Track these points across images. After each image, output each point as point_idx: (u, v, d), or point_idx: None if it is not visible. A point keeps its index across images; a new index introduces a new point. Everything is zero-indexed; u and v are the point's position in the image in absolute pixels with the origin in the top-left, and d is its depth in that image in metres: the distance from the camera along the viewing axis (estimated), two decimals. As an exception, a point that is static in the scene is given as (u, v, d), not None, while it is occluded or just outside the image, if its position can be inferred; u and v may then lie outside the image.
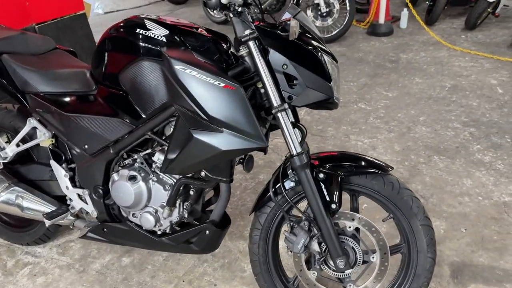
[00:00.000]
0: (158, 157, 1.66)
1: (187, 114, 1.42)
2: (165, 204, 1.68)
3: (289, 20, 1.35)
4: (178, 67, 1.37)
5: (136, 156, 1.68)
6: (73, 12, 3.37)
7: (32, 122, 1.79)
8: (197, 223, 1.73)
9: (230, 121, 1.37)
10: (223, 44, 1.54)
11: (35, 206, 1.86)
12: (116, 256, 2.14)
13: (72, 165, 1.82)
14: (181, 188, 1.62)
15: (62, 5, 3.28)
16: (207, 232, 1.69)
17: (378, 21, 5.28)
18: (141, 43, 1.49)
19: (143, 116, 1.57)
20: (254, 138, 1.38)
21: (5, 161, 1.86)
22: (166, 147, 1.58)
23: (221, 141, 1.40)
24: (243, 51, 1.45)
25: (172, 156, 1.54)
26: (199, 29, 1.53)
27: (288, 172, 1.52)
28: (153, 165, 1.68)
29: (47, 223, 1.78)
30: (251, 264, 1.69)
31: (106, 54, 1.60)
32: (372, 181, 1.47)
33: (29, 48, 1.86)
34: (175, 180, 1.66)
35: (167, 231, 1.74)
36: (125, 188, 1.66)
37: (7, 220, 2.20)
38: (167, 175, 1.66)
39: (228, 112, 1.37)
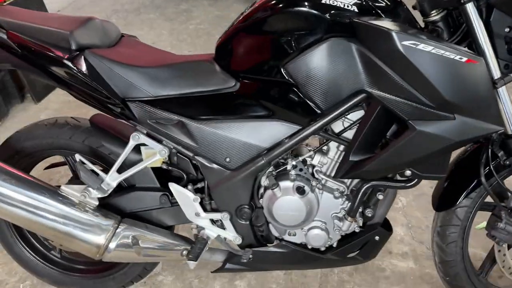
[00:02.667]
0: (319, 160, 1.35)
1: (401, 102, 1.13)
2: (338, 215, 1.38)
3: None
4: (408, 42, 1.06)
5: (294, 163, 1.35)
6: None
7: (138, 138, 1.35)
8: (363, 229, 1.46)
9: (467, 104, 1.11)
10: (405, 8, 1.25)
11: (154, 245, 1.43)
12: (225, 281, 1.79)
13: (198, 186, 1.42)
14: (366, 193, 1.33)
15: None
16: (377, 238, 1.44)
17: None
18: (328, 18, 1.15)
19: (318, 111, 1.23)
20: (491, 121, 1.14)
21: (106, 194, 1.39)
22: (343, 147, 1.30)
23: (453, 130, 1.13)
24: (435, 15, 1.18)
25: (358, 157, 1.25)
26: None
27: (500, 155, 1.30)
28: (312, 170, 1.37)
29: (193, 265, 1.38)
30: (441, 266, 1.47)
31: (260, 39, 1.23)
32: None
33: (105, 38, 1.39)
34: (346, 186, 1.36)
35: (334, 245, 1.45)
36: (294, 204, 1.33)
37: (77, 267, 1.71)
38: (334, 180, 1.36)
39: (467, 93, 1.10)
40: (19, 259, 1.68)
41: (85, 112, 2.99)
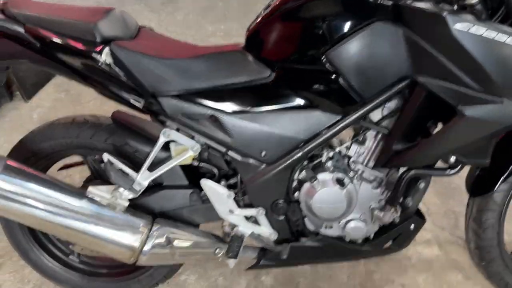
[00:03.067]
0: (355, 150, 1.32)
1: (449, 88, 1.10)
2: (377, 206, 1.35)
3: None
4: (460, 26, 1.03)
5: (330, 154, 1.31)
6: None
7: (169, 135, 1.28)
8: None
9: None
10: None
11: (188, 244, 1.37)
12: (251, 278, 1.74)
13: (231, 182, 1.37)
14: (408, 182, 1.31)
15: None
16: (412, 226, 1.42)
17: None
18: (372, 1, 1.10)
19: (359, 99, 1.19)
20: None
21: (138, 194, 1.32)
22: (381, 136, 1.27)
23: (502, 114, 1.11)
24: None
25: (401, 145, 1.22)
26: None
27: None
28: (348, 161, 1.33)
29: (233, 263, 1.33)
30: (477, 252, 1.47)
31: (298, 26, 1.18)
32: None
33: (127, 30, 1.32)
34: (383, 175, 1.33)
35: (371, 236, 1.42)
36: (335, 196, 1.29)
37: (99, 271, 1.63)
38: (371, 170, 1.32)
39: None
40: (36, 266, 1.59)
41: (80, 109, 2.90)
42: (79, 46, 1.20)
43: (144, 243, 1.29)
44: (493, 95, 1.08)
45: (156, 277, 1.59)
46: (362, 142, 1.32)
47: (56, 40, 1.20)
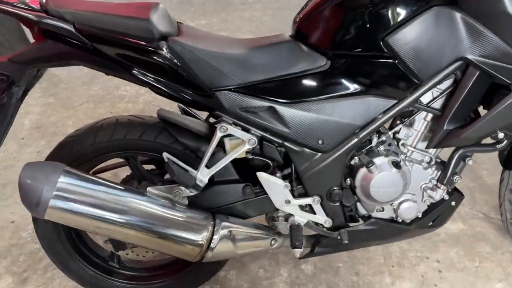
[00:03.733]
0: (405, 133, 1.36)
1: (503, 67, 1.16)
2: (428, 185, 1.40)
3: None
4: (516, 5, 1.08)
5: (383, 138, 1.34)
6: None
7: (226, 129, 1.26)
8: None
9: None
10: None
11: (249, 237, 1.36)
12: (290, 267, 1.76)
13: (285, 172, 1.37)
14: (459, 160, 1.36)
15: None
16: (453, 203, 1.48)
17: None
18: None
19: (415, 83, 1.23)
20: None
21: (199, 191, 1.29)
22: (430, 118, 1.31)
23: (553, 89, 1.18)
24: None
25: (453, 125, 1.27)
26: None
27: None
28: (398, 144, 1.37)
29: (299, 252, 1.33)
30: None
31: (355, 13, 1.20)
32: None
33: (173, 25, 1.28)
34: (432, 154, 1.38)
35: (419, 215, 1.47)
36: (393, 179, 1.32)
37: (142, 275, 1.59)
38: (420, 151, 1.37)
39: None
40: (76, 276, 1.53)
41: (73, 113, 2.79)
42: (137, 43, 1.16)
43: (210, 239, 1.28)
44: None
45: (203, 275, 1.58)
46: (411, 125, 1.35)
47: (111, 38, 1.15)
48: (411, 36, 1.17)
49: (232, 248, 1.32)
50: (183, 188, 1.27)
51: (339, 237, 1.39)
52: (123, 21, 1.16)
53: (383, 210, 1.44)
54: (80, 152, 1.35)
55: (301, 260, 1.77)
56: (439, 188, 1.37)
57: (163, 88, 1.22)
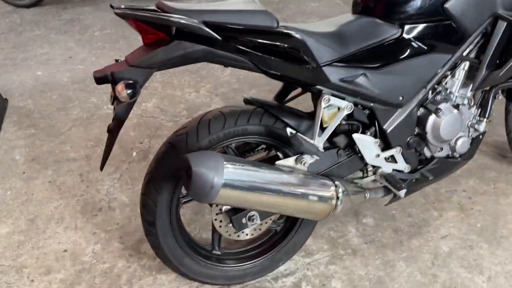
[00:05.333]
0: (450, 82, 1.69)
1: None
2: (473, 121, 1.74)
3: None
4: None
5: (440, 88, 1.65)
6: None
7: (329, 100, 1.45)
8: None
9: None
10: None
11: (355, 192, 1.57)
12: (354, 224, 1.98)
13: (371, 131, 1.61)
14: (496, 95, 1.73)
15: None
16: (480, 136, 1.85)
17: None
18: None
19: (463, 38, 1.56)
20: None
21: (319, 157, 1.46)
22: (468, 66, 1.65)
23: None
24: None
25: (490, 68, 1.63)
26: None
27: None
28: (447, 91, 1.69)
29: (403, 193, 1.56)
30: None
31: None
32: None
33: None
34: (471, 98, 1.72)
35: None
36: (457, 118, 1.65)
37: (247, 255, 1.69)
38: (462, 95, 1.70)
39: None
40: (192, 271, 1.59)
41: (64, 139, 2.69)
42: (262, 30, 1.29)
43: (337, 195, 1.46)
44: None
45: (298, 243, 1.73)
46: (453, 76, 1.67)
47: (238, 30, 1.26)
48: (463, 0, 1.48)
49: (349, 202, 1.52)
50: (305, 156, 1.44)
51: (422, 176, 1.66)
52: (245, 14, 1.29)
53: (442, 150, 1.74)
54: (196, 147, 1.43)
55: (360, 216, 2.01)
56: (482, 122, 1.72)
57: (279, 72, 1.36)
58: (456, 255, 1.81)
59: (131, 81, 1.18)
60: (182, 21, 1.19)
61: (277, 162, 1.42)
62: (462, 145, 1.74)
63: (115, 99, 1.25)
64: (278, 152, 1.56)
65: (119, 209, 2.13)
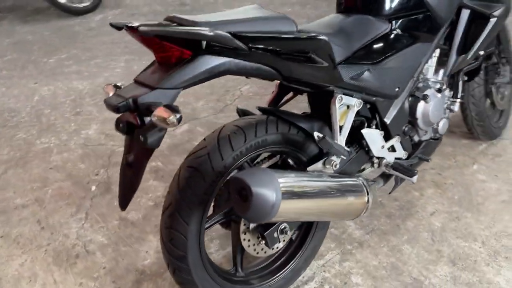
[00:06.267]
0: (425, 69, 1.81)
1: (482, 4, 1.73)
2: (448, 103, 1.88)
3: None
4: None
5: (421, 76, 1.76)
6: None
7: (341, 99, 1.45)
8: None
9: None
10: None
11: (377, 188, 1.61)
12: (374, 208, 2.01)
13: (373, 124, 1.65)
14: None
15: None
16: (449, 116, 2.03)
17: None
18: None
19: (440, 27, 1.69)
20: None
21: (346, 157, 1.46)
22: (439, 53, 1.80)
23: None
24: None
25: (458, 54, 1.81)
26: None
27: None
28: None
29: (415, 179, 1.61)
30: (475, 116, 2.19)
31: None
32: None
33: None
34: (444, 82, 1.86)
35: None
36: (441, 101, 1.77)
37: (268, 270, 1.61)
38: (435, 79, 1.84)
39: None
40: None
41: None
42: (286, 37, 1.25)
43: (367, 193, 1.47)
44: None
45: (317, 244, 1.71)
46: (428, 62, 1.79)
47: (263, 38, 1.20)
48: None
49: (373, 195, 1.54)
50: (334, 157, 1.42)
51: (420, 160, 1.76)
52: (266, 21, 1.23)
53: (426, 133, 1.85)
54: (222, 166, 1.33)
55: (380, 198, 2.07)
56: (456, 102, 1.87)
57: (299, 76, 1.32)
58: (449, 228, 1.94)
59: (174, 105, 1.06)
60: (212, 33, 1.08)
61: (310, 168, 1.39)
62: (444, 125, 1.87)
63: (133, 127, 1.12)
64: (288, 159, 1.52)
65: (99, 252, 1.90)
